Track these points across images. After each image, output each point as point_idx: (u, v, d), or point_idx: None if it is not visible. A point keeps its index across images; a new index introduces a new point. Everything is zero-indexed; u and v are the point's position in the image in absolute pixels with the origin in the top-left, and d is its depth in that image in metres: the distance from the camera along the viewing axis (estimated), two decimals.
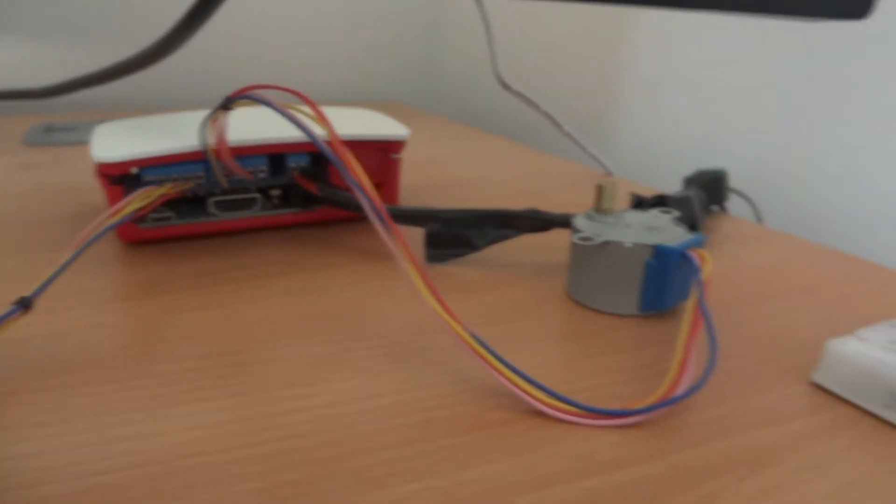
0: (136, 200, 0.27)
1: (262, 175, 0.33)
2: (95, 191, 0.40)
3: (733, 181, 0.51)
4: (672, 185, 0.54)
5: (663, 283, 0.25)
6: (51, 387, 0.20)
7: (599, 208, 0.27)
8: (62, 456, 0.17)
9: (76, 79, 0.43)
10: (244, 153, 0.32)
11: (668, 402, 0.19)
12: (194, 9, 0.31)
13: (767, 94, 0.49)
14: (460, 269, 0.31)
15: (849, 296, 0.29)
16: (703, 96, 0.53)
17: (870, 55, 0.43)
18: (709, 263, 0.23)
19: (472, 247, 0.31)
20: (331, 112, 0.39)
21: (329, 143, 0.24)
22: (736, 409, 0.21)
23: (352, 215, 0.35)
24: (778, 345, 0.25)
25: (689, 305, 0.22)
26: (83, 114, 0.65)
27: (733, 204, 0.44)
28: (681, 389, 0.20)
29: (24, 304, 0.22)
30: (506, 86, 0.45)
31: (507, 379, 0.20)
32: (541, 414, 0.20)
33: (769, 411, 0.21)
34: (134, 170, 0.30)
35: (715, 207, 0.42)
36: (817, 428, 0.20)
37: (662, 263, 0.25)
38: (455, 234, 0.31)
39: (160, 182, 0.31)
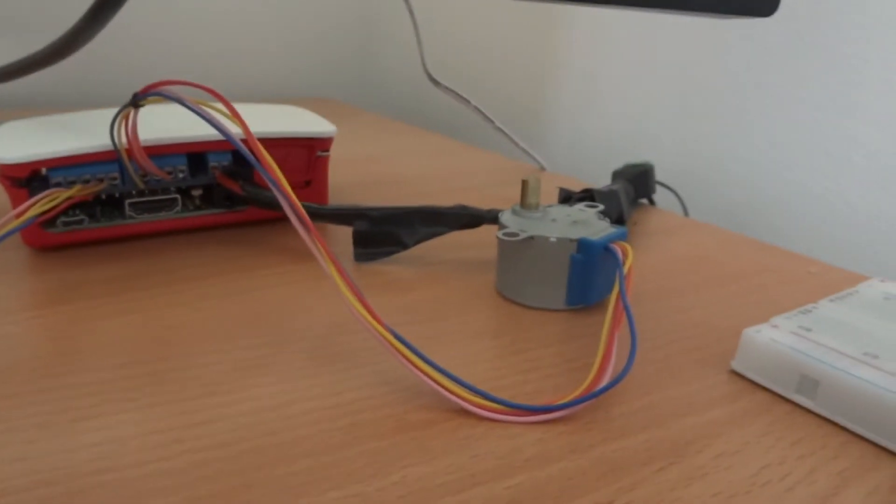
0: (40, 203, 0.26)
1: (181, 175, 0.32)
2: None
3: (661, 174, 0.52)
4: (605, 179, 0.55)
5: (588, 276, 0.25)
6: None
7: (525, 204, 0.27)
8: None
9: None
10: (160, 152, 0.30)
11: (590, 396, 0.19)
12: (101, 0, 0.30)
13: (693, 89, 0.50)
14: (390, 268, 0.30)
15: (767, 284, 0.30)
16: (633, 91, 0.54)
17: (788, 51, 0.45)
18: (630, 256, 0.24)
19: (402, 245, 0.31)
20: (254, 109, 0.38)
21: (245, 140, 0.23)
22: (658, 399, 0.21)
23: (278, 215, 0.35)
24: (700, 334, 0.25)
25: (612, 298, 0.22)
26: (17, 112, 0.61)
27: (661, 197, 0.45)
28: (603, 382, 0.20)
29: None
30: (434, 81, 0.44)
31: (431, 378, 0.19)
32: (466, 413, 0.20)
33: (690, 400, 0.21)
34: (43, 171, 0.29)
35: (643, 200, 0.43)
36: (735, 415, 0.20)
37: (586, 257, 0.25)
38: (384, 233, 0.31)
39: (69, 184, 0.29)
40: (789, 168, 0.45)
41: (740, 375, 0.22)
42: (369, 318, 0.20)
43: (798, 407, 0.21)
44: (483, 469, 0.17)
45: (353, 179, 0.44)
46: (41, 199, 0.26)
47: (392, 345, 0.20)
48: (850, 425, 0.20)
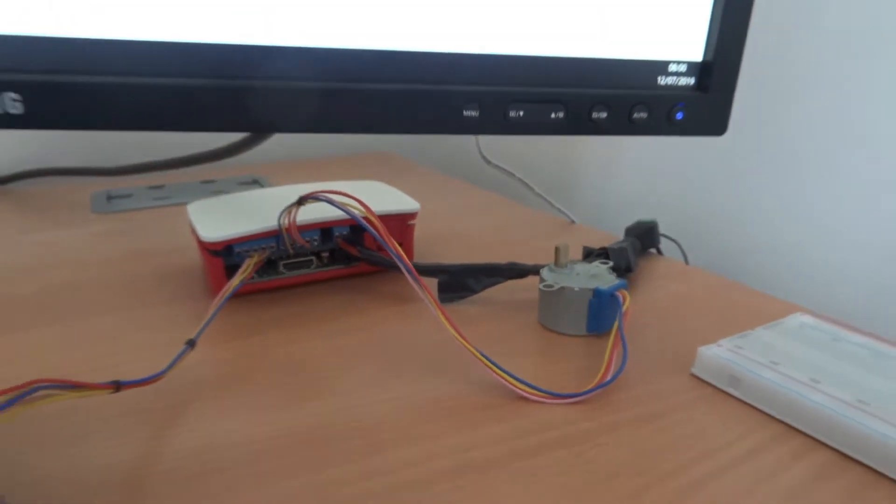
0: (245, 269, 0.40)
1: (315, 243, 0.45)
2: (164, 254, 0.52)
3: (669, 228, 0.64)
4: (622, 228, 0.67)
5: (601, 313, 0.38)
6: (207, 397, 0.33)
7: (557, 264, 0.40)
8: (246, 431, 0.30)
9: (149, 162, 0.56)
10: (303, 229, 0.44)
11: (598, 387, 0.32)
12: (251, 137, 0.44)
13: (693, 157, 0.63)
14: (463, 307, 0.43)
15: (731, 315, 0.42)
16: (645, 160, 0.67)
17: (771, 115, 0.57)
18: (628, 300, 0.36)
19: (472, 290, 0.44)
20: (355, 188, 0.52)
21: (367, 219, 0.37)
22: (644, 391, 0.33)
23: (380, 269, 0.48)
24: (675, 351, 0.38)
25: (613, 328, 0.34)
26: (137, 181, 0.76)
27: (669, 246, 0.57)
28: (606, 379, 0.32)
29: (191, 344, 0.34)
30: (487, 161, 0.58)
31: (503, 378, 0.32)
32: (525, 398, 0.32)
33: (664, 391, 0.33)
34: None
35: (652, 250, 0.55)
36: (689, 401, 0.33)
37: (599, 301, 0.38)
38: (459, 282, 0.44)
39: (247, 253, 0.43)
40: (768, 223, 0.57)
41: (697, 377, 0.34)
42: (463, 341, 0.33)
43: (729, 396, 0.33)
44: (538, 427, 0.30)
45: (421, 235, 0.58)
46: (246, 266, 0.40)
47: (479, 358, 0.33)
48: (763, 408, 0.32)
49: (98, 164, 0.71)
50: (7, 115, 0.30)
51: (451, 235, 0.58)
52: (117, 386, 0.29)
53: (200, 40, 0.32)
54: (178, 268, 0.50)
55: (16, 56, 0.30)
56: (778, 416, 0.31)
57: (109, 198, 0.70)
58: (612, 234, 0.59)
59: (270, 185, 0.75)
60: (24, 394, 0.22)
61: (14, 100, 0.30)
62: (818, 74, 0.55)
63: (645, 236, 0.53)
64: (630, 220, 0.61)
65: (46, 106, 0.31)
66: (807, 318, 0.38)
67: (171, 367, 0.32)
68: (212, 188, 0.74)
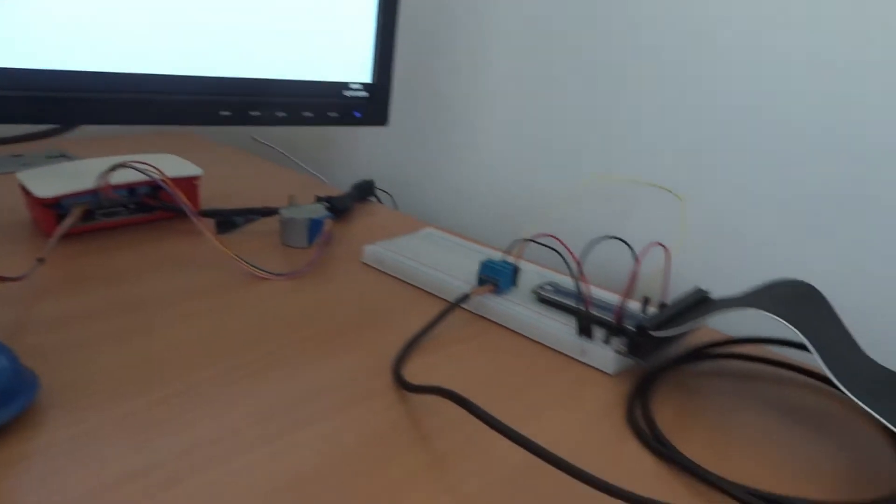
0: (74, 215, 0.59)
1: (123, 197, 0.65)
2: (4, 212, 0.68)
3: (386, 183, 0.91)
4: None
5: (314, 232, 0.63)
6: (55, 292, 0.52)
7: (291, 204, 0.65)
8: (84, 307, 0.50)
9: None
10: (116, 189, 0.64)
11: (300, 271, 0.57)
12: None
13: (404, 139, 0.90)
14: (234, 236, 0.66)
15: (394, 231, 0.70)
16: (376, 135, 0.93)
17: (439, 108, 0.85)
18: (330, 224, 0.62)
19: (237, 225, 0.67)
20: (155, 159, 0.71)
21: (163, 180, 0.58)
22: (331, 270, 0.59)
23: (172, 215, 0.69)
24: (356, 251, 0.63)
25: (317, 242, 0.59)
26: None
27: (386, 197, 0.84)
28: (309, 263, 0.57)
29: (41, 260, 0.53)
30: (255, 139, 0.80)
31: (249, 267, 0.56)
32: (262, 278, 0.56)
33: (342, 270, 0.59)
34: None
35: (371, 198, 0.82)
36: (355, 273, 0.59)
37: (314, 224, 0.62)
38: (229, 220, 0.66)
39: (74, 205, 0.62)
40: (436, 172, 0.86)
41: (364, 263, 0.61)
42: (227, 251, 0.56)
43: (379, 270, 0.60)
44: (263, 292, 0.54)
45: (210, 193, 0.79)
46: (74, 213, 0.59)
47: (236, 259, 0.56)
48: (393, 274, 0.58)
49: None
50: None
51: (231, 193, 0.80)
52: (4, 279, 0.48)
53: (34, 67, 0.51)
54: (10, 222, 0.67)
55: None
56: (399, 276, 0.58)
57: None
58: (341, 189, 0.85)
59: (78, 158, 0.91)
60: None
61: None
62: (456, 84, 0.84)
63: (364, 189, 0.79)
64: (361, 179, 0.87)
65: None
66: (431, 230, 0.66)
67: (29, 273, 0.52)
68: (21, 161, 0.88)
